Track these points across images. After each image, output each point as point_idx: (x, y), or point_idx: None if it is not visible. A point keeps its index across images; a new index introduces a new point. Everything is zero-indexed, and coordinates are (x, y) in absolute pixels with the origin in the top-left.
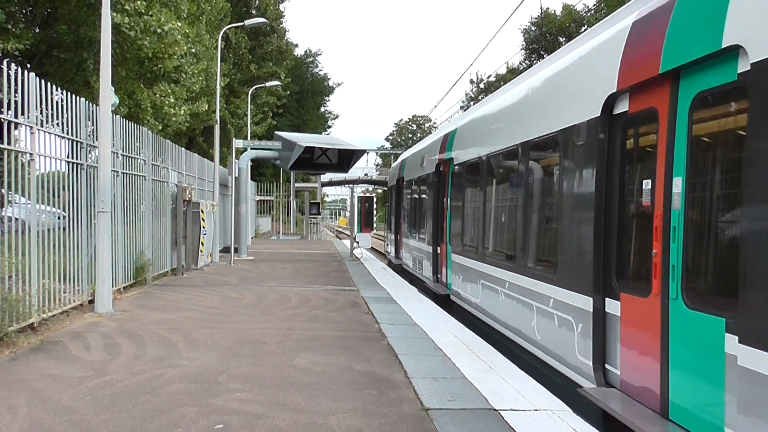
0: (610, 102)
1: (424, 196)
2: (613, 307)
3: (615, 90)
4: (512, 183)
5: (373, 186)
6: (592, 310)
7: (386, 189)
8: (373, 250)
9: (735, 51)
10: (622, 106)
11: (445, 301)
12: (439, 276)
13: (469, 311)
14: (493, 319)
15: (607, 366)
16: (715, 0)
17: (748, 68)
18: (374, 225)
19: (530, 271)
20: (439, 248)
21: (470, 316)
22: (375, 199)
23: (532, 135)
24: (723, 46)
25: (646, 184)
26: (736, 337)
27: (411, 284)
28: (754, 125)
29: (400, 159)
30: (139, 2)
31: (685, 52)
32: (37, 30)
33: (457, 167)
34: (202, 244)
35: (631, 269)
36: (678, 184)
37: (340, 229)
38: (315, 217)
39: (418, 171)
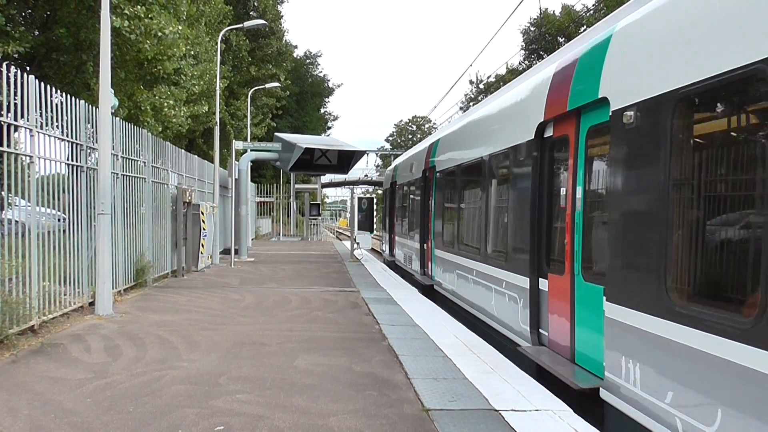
0: (541, 128)
1: (413, 198)
2: (543, 284)
3: (543, 120)
4: (480, 188)
5: (373, 187)
6: (528, 288)
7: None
8: (373, 251)
9: (607, 100)
10: (549, 132)
11: (430, 291)
12: (425, 269)
13: (449, 299)
14: (464, 301)
15: (540, 330)
16: (594, 65)
17: (611, 114)
18: (374, 226)
19: (490, 260)
20: (425, 245)
21: (451, 303)
22: (375, 200)
23: (492, 150)
24: (599, 97)
25: (563, 191)
26: (605, 298)
27: (402, 278)
28: (614, 151)
29: (393, 165)
30: (138, 6)
31: (581, 97)
32: (37, 33)
33: (439, 174)
34: (203, 245)
35: (554, 256)
36: (579, 192)
37: (340, 230)
38: (315, 219)
39: (408, 176)
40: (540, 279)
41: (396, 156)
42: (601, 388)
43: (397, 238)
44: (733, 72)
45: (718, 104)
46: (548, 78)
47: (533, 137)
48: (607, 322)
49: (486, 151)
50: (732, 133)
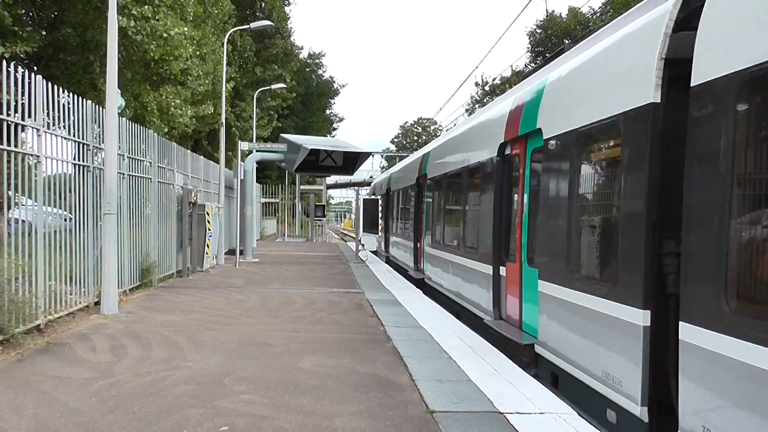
0: (502, 147)
1: (407, 202)
2: (502, 271)
3: (503, 140)
4: (459, 195)
5: None
6: (492, 274)
7: None
8: (378, 253)
9: (541, 131)
10: (508, 150)
11: (422, 284)
12: (418, 265)
13: (438, 290)
14: (447, 290)
15: (500, 307)
16: (533, 104)
17: (543, 141)
18: (380, 227)
19: (467, 254)
20: (418, 243)
21: (440, 294)
22: (380, 202)
23: (468, 163)
24: (537, 127)
25: (516, 198)
26: (539, 278)
27: (395, 270)
28: (544, 168)
29: (387, 173)
30: (146, 7)
31: (527, 125)
32: (44, 33)
33: (429, 181)
34: (208, 246)
35: (509, 249)
36: (525, 199)
37: (345, 232)
38: (320, 220)
39: (402, 183)
40: (500, 267)
41: (402, 158)
42: (535, 345)
43: (391, 237)
44: (600, 121)
45: (598, 141)
46: (507, 107)
47: (496, 154)
48: (540, 295)
49: (464, 163)
50: (598, 162)
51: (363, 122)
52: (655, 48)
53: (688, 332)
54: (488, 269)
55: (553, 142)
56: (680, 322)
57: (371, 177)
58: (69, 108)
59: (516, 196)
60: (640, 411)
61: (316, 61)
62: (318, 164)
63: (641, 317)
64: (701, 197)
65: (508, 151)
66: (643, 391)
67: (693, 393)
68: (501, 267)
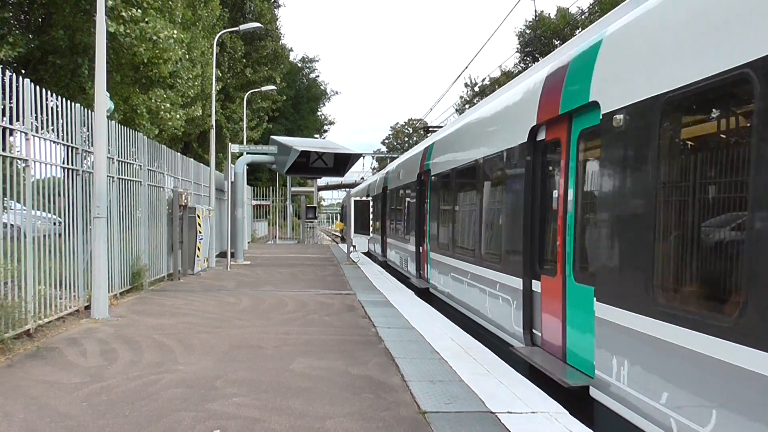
0: (534, 131)
1: (408, 202)
2: (536, 286)
3: (535, 123)
4: (473, 192)
5: None
6: (522, 289)
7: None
8: (371, 255)
9: (597, 104)
10: (541, 135)
11: (426, 294)
12: (421, 272)
13: (448, 302)
14: (459, 303)
15: (534, 330)
16: (585, 70)
17: (602, 117)
18: (371, 228)
19: (486, 262)
20: (421, 247)
21: (448, 306)
22: (371, 203)
23: (486, 153)
24: (590, 101)
25: (554, 193)
26: (596, 299)
27: (393, 277)
28: (606, 154)
29: (384, 171)
30: (134, 10)
31: (572, 101)
32: (31, 36)
33: (434, 177)
34: (199, 249)
35: (546, 258)
36: (571, 194)
37: (336, 233)
38: (311, 221)
39: (402, 180)
40: (533, 281)
41: (392, 159)
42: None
43: (388, 240)
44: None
45: (708, 105)
46: (539, 86)
47: (526, 140)
48: (598, 322)
49: (481, 154)
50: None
51: (353, 124)
52: None
53: None
54: (516, 282)
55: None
56: None
57: (362, 178)
58: (57, 111)
59: (557, 192)
60: None
61: (309, 65)
62: (309, 166)
63: None
64: None
65: (542, 136)
66: None
67: None
68: (534, 281)
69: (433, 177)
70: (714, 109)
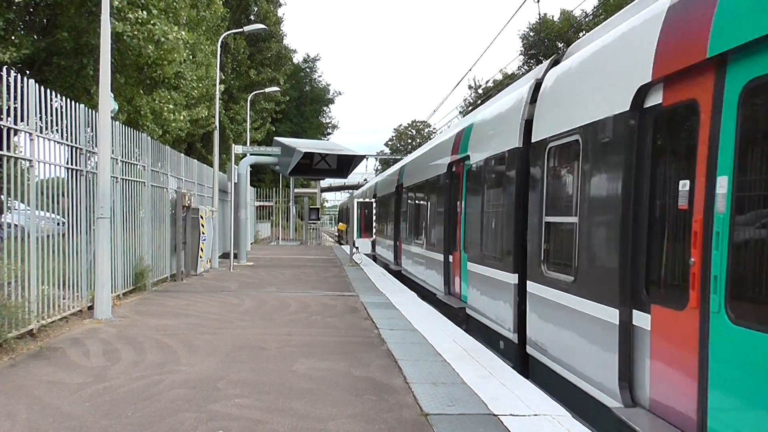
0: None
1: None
2: (643, 320)
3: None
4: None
5: None
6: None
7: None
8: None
9: (469, 157)
10: (655, 99)
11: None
12: (450, 287)
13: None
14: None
15: (449, 285)
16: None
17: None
18: (374, 230)
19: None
20: (450, 256)
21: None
22: (374, 205)
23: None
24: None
25: (684, 185)
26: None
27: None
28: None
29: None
30: (140, 12)
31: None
32: (36, 37)
33: (473, 166)
34: (202, 249)
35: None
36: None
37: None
38: (314, 223)
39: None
40: (634, 311)
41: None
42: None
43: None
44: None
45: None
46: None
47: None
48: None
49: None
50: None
51: (356, 126)
52: None
53: None
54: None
55: (470, 164)
56: None
57: (365, 180)
58: (62, 112)
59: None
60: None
61: (311, 65)
62: (312, 167)
63: None
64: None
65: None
66: None
67: None
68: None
69: (472, 166)
70: None
